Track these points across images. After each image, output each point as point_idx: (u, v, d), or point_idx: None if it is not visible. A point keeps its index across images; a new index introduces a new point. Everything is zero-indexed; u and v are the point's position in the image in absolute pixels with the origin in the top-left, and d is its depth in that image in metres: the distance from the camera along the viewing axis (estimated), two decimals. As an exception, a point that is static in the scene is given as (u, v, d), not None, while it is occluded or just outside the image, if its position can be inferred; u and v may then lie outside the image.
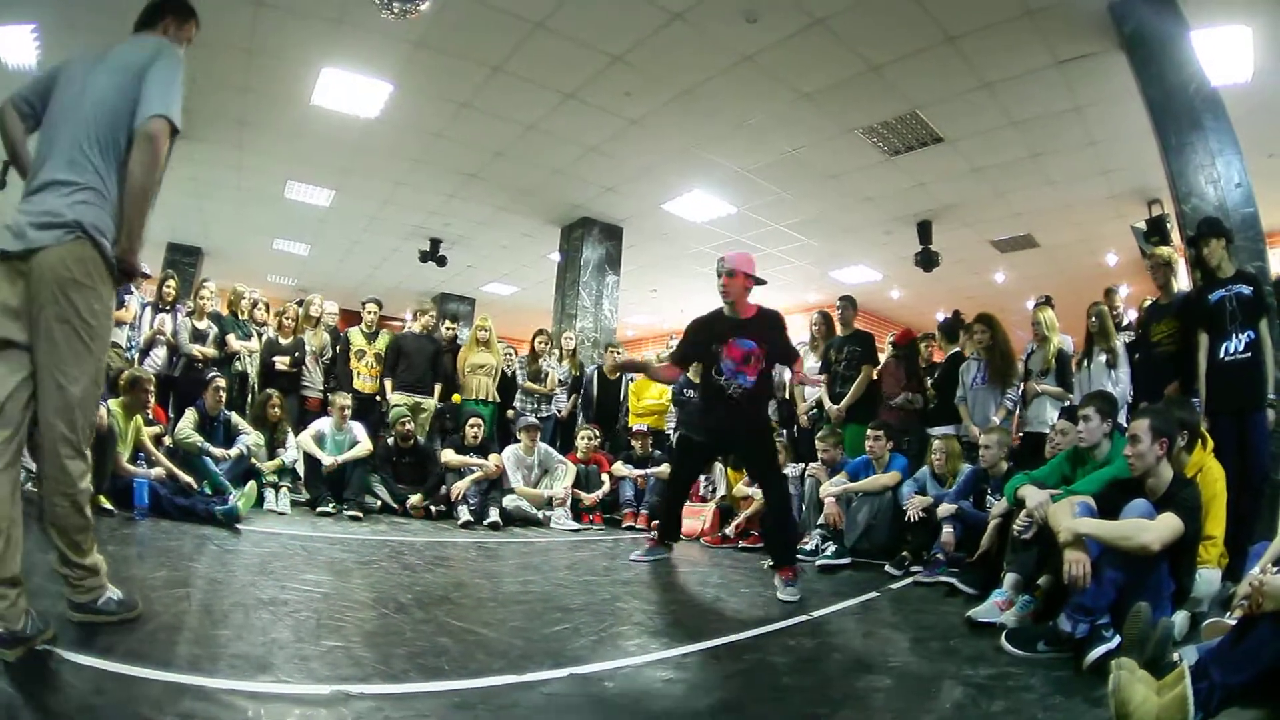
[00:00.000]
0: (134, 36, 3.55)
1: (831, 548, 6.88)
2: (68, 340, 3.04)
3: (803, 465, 8.21)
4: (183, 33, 3.67)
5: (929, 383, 8.46)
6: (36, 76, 3.44)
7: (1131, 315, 9.47)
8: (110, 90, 3.22)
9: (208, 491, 6.98)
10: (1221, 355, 5.89)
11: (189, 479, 6.90)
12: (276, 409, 8.42)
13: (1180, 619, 3.95)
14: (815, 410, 9.02)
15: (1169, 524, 3.67)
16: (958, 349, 8.43)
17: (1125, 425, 5.32)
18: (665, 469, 9.21)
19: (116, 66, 3.28)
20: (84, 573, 3.20)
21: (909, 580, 6.09)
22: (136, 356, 8.69)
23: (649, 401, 10.46)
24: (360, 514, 7.79)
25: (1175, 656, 3.22)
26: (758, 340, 5.67)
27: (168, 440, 7.48)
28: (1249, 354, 5.77)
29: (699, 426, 6.30)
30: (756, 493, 7.89)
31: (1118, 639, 3.54)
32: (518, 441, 9.27)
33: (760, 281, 5.84)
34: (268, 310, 10.46)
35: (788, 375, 9.14)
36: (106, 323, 3.21)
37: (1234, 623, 3.00)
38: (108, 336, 3.27)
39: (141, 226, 3.17)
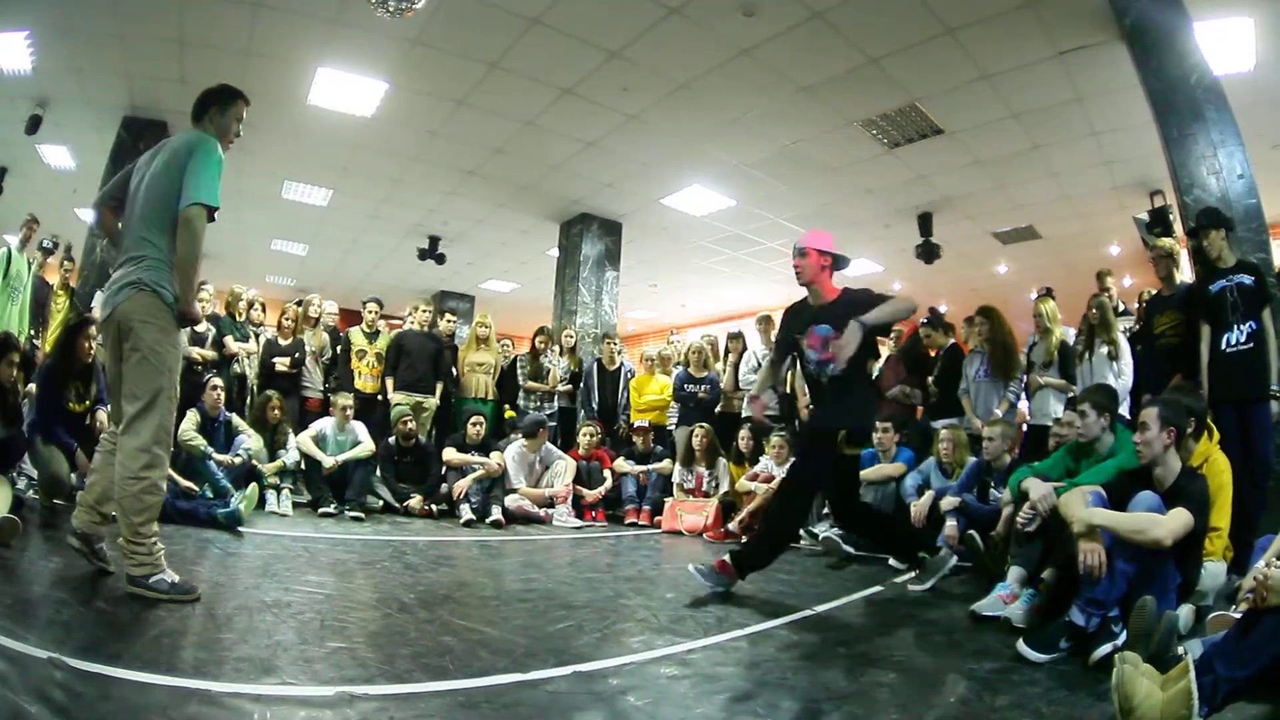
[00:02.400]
0: (186, 129, 4.31)
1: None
2: (140, 365, 3.89)
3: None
4: (228, 116, 4.38)
5: (930, 380, 8.44)
6: (115, 177, 4.47)
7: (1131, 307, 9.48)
8: (161, 179, 4.05)
9: (209, 494, 6.95)
10: (1223, 346, 5.87)
11: (189, 484, 6.87)
12: (276, 410, 8.36)
13: (1185, 612, 3.94)
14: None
15: (1181, 519, 3.65)
16: (954, 341, 8.43)
17: (1128, 417, 5.32)
18: (667, 464, 9.24)
19: (165, 159, 4.10)
20: (138, 549, 3.79)
21: (913, 574, 6.09)
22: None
23: (650, 397, 10.46)
24: (362, 514, 7.78)
25: (1180, 650, 3.21)
26: (835, 325, 5.03)
27: (169, 442, 7.46)
28: (1251, 345, 5.75)
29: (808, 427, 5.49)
30: (759, 487, 7.90)
31: (1125, 635, 3.54)
32: (518, 439, 9.27)
33: (841, 259, 5.42)
34: (264, 311, 10.42)
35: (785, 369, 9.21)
36: (173, 351, 4.02)
37: (1239, 616, 2.99)
38: (174, 363, 4.04)
39: (191, 286, 4.01)
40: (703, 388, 9.97)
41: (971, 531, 5.78)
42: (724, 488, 8.64)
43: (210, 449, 7.34)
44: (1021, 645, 3.73)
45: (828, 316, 5.15)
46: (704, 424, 9.14)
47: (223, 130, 4.32)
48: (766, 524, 5.65)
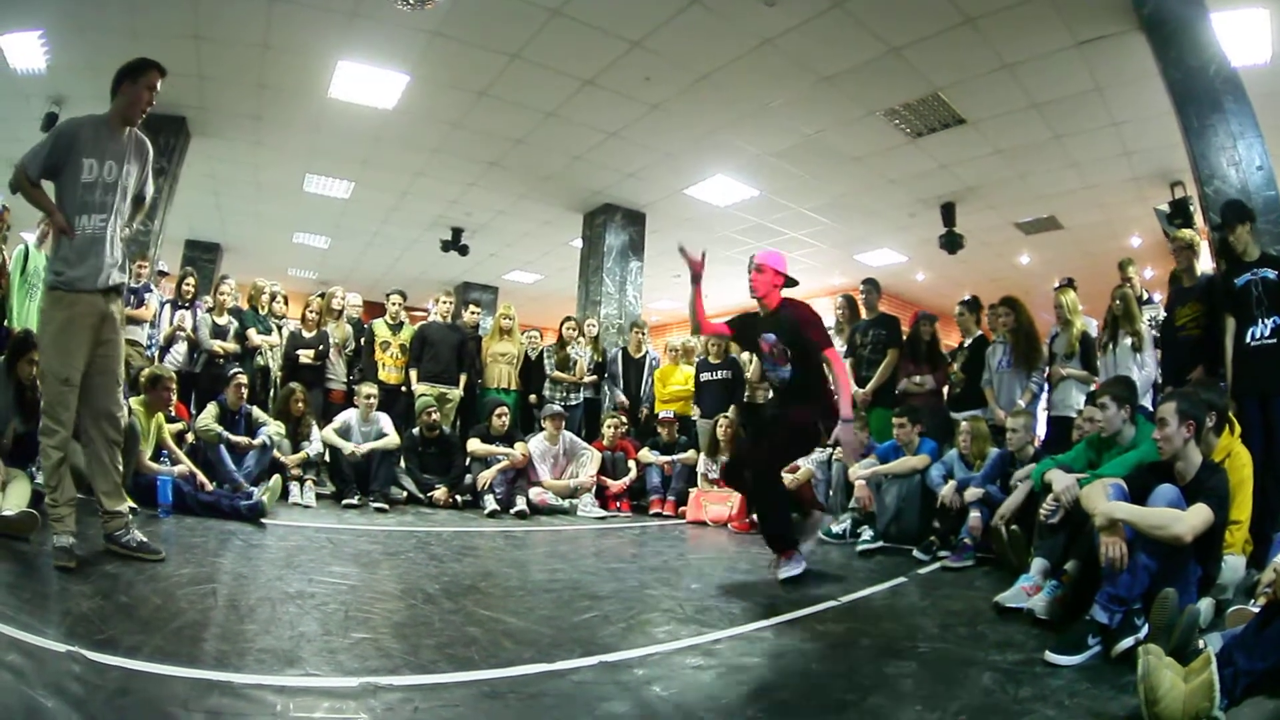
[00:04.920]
0: None
1: (868, 532, 6.92)
2: None
3: (829, 450, 8.19)
4: (139, 85, 4.46)
5: (955, 366, 8.40)
6: None
7: (1154, 295, 9.45)
8: None
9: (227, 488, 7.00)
10: (1247, 340, 5.82)
11: (204, 479, 6.82)
12: (300, 403, 8.38)
13: (1205, 605, 3.91)
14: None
15: (1201, 514, 3.62)
16: (980, 333, 8.40)
17: (1151, 409, 5.29)
18: (691, 455, 9.25)
19: None
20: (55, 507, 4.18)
21: (937, 565, 6.08)
22: (157, 354, 8.75)
23: (675, 388, 10.45)
24: (386, 505, 7.80)
25: (1200, 643, 3.21)
26: (778, 333, 5.48)
27: (189, 437, 7.50)
28: (1275, 339, 5.70)
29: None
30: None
31: (1147, 628, 3.53)
32: (542, 430, 9.31)
33: (791, 281, 5.63)
34: (286, 304, 10.46)
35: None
36: (47, 328, 4.30)
37: (1258, 610, 2.99)
38: (50, 340, 4.28)
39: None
40: (721, 374, 9.97)
41: (996, 522, 5.75)
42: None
43: (226, 433, 7.38)
44: (1049, 654, 3.53)
45: (771, 325, 5.55)
46: (728, 414, 9.17)
47: (133, 99, 4.44)
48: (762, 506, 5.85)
